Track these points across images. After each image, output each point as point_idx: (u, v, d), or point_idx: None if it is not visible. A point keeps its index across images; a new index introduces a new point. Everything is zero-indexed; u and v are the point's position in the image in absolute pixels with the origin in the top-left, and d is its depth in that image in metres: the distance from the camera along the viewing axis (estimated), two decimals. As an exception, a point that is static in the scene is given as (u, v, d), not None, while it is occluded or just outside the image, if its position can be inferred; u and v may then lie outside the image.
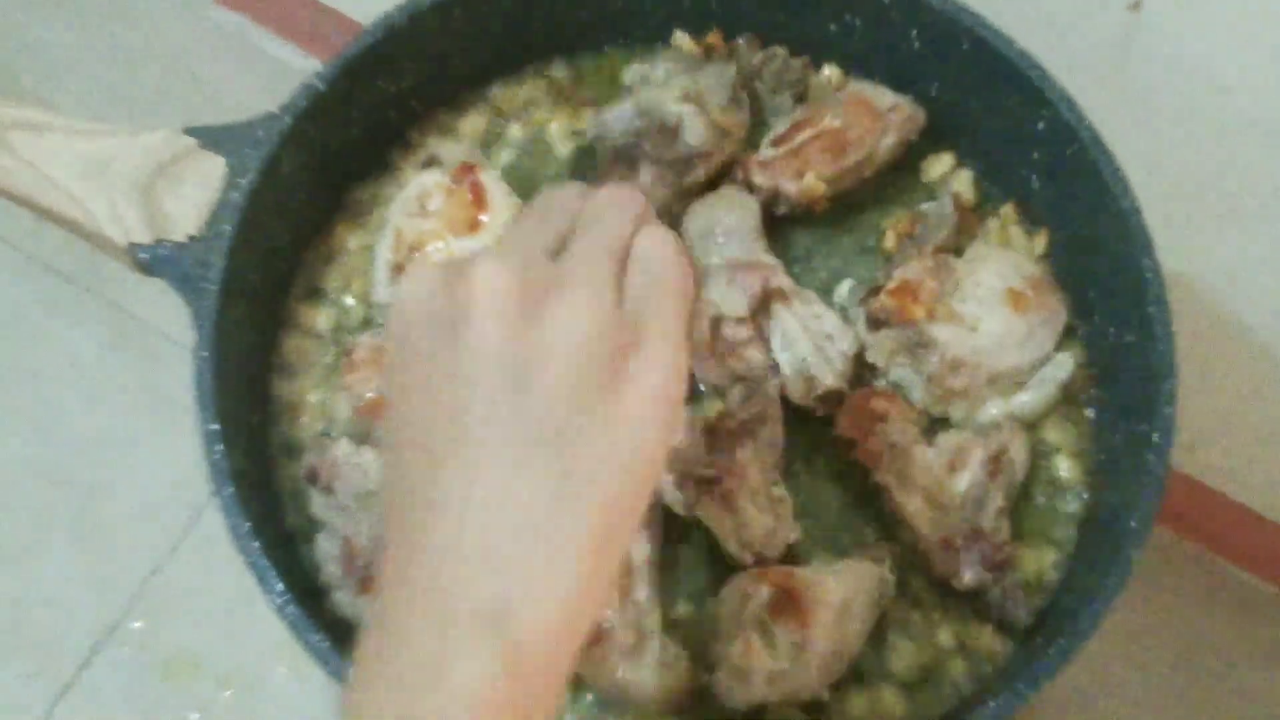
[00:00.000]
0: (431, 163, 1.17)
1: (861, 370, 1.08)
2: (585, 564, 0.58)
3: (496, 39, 1.21)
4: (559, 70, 1.25)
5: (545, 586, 0.57)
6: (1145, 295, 1.01)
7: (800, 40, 1.23)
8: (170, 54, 2.05)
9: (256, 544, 0.93)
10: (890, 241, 1.16)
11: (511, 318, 0.56)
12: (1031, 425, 1.08)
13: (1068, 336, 1.10)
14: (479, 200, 1.10)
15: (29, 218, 1.14)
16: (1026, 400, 1.06)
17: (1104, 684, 1.62)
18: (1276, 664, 1.64)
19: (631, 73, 1.19)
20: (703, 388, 1.07)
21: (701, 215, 1.12)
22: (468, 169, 1.11)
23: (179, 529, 1.68)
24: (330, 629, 0.92)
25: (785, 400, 1.05)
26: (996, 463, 1.01)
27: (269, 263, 1.11)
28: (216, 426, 0.97)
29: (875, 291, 1.08)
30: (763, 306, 1.05)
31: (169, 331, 1.81)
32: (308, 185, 1.13)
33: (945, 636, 1.01)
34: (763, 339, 1.06)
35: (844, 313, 1.10)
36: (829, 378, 1.03)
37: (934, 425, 1.08)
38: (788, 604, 0.93)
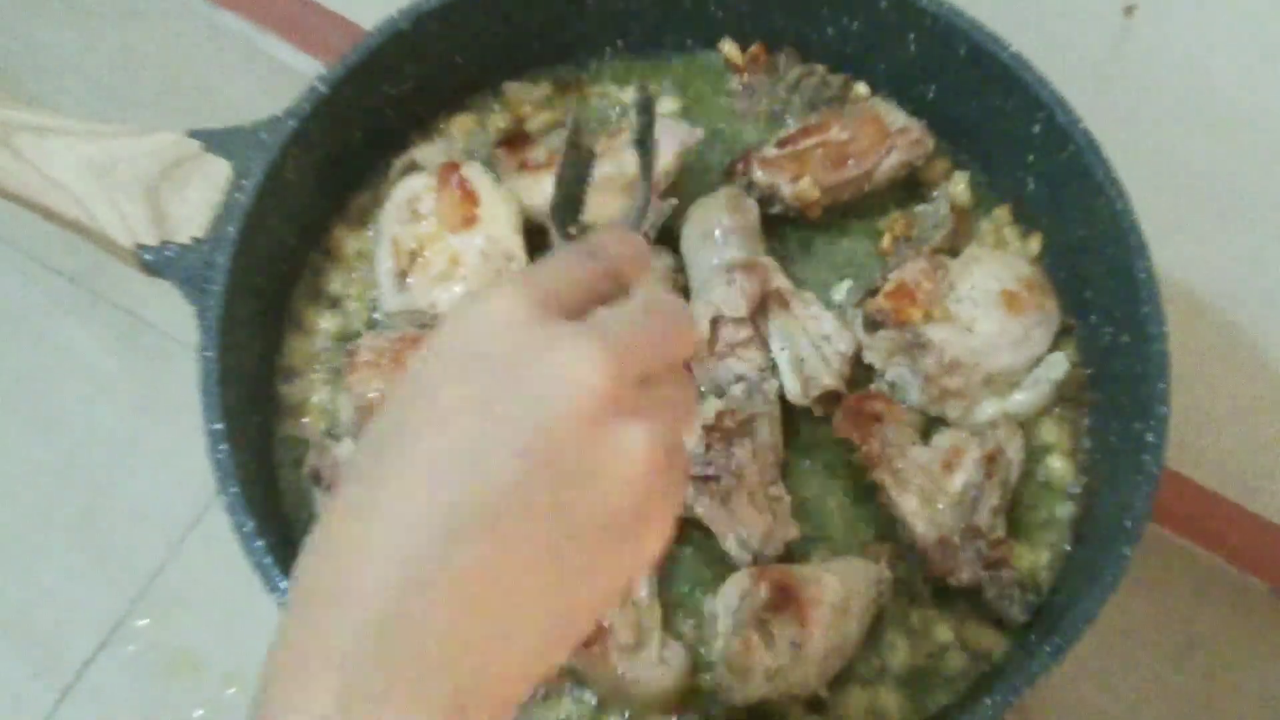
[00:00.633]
0: (411, 168, 1.18)
1: (859, 371, 1.09)
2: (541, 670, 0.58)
3: (498, 43, 1.22)
4: (562, 73, 1.27)
5: (500, 687, 0.55)
6: (1139, 296, 1.02)
7: (800, 42, 1.24)
8: (173, 56, 2.06)
9: (261, 543, 0.94)
10: (886, 243, 1.17)
11: (589, 422, 0.54)
12: (1027, 425, 1.09)
13: (1063, 337, 1.11)
14: (469, 196, 1.11)
15: (34, 219, 1.14)
16: (1022, 400, 1.07)
17: (1099, 680, 1.63)
18: (1270, 660, 1.65)
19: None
20: (703, 388, 1.08)
21: (701, 216, 1.13)
22: (452, 168, 1.12)
23: (183, 528, 1.69)
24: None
25: (783, 400, 1.06)
26: (992, 462, 1.02)
27: (273, 264, 1.11)
28: (221, 426, 0.98)
29: (872, 293, 1.09)
30: (761, 307, 1.06)
31: (173, 332, 1.82)
32: (311, 188, 1.14)
33: (942, 633, 1.02)
34: (761, 339, 1.07)
35: (842, 313, 1.11)
36: (827, 378, 1.04)
37: (931, 425, 1.09)
38: (786, 602, 0.94)
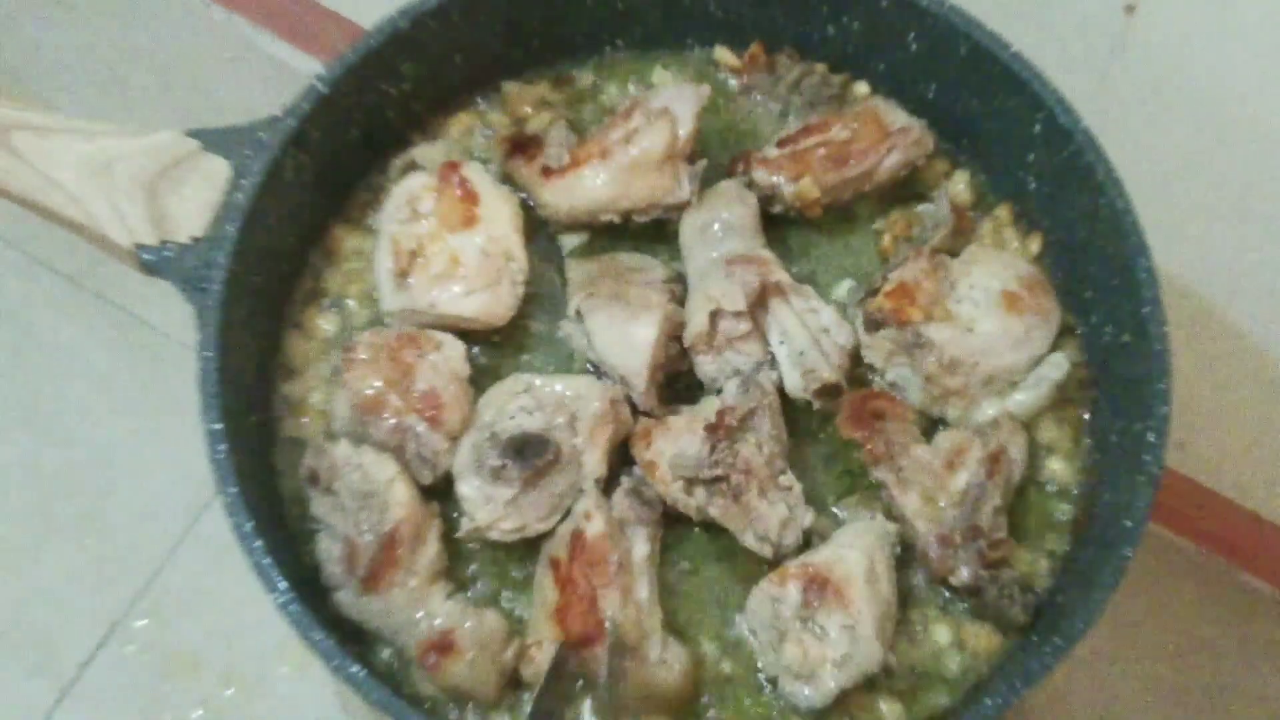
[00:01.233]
0: (410, 168, 1.18)
1: (859, 371, 1.09)
2: None
3: (497, 43, 1.22)
4: (561, 72, 1.27)
5: None
6: (1140, 296, 1.02)
7: (800, 42, 1.24)
8: (171, 55, 2.06)
9: (259, 543, 0.93)
10: (886, 242, 1.17)
11: None
12: (1027, 425, 1.09)
13: (1063, 336, 1.11)
14: (469, 196, 1.11)
15: (34, 219, 1.14)
16: (1022, 400, 1.07)
17: (1099, 681, 1.63)
18: (1270, 660, 1.65)
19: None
20: (706, 384, 1.08)
21: (700, 211, 1.13)
22: (452, 167, 1.12)
23: (182, 528, 1.69)
24: (332, 627, 0.93)
25: (782, 394, 1.06)
26: (995, 461, 1.02)
27: (272, 264, 1.11)
28: (220, 426, 0.97)
29: (873, 292, 1.09)
30: (760, 301, 1.06)
31: (172, 332, 1.82)
32: (310, 187, 1.13)
33: (942, 634, 1.02)
34: (760, 333, 1.07)
35: (842, 309, 1.11)
36: (826, 371, 1.04)
37: (932, 425, 1.09)
38: (821, 592, 0.94)
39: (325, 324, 1.14)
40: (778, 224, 1.17)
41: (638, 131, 1.12)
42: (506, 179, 1.17)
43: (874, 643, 0.93)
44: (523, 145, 1.17)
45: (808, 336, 1.06)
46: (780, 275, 1.08)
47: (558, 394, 1.04)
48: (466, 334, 1.10)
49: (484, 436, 1.02)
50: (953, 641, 1.02)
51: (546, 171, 1.14)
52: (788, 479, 1.02)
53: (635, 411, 1.06)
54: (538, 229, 1.16)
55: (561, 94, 1.26)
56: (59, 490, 1.72)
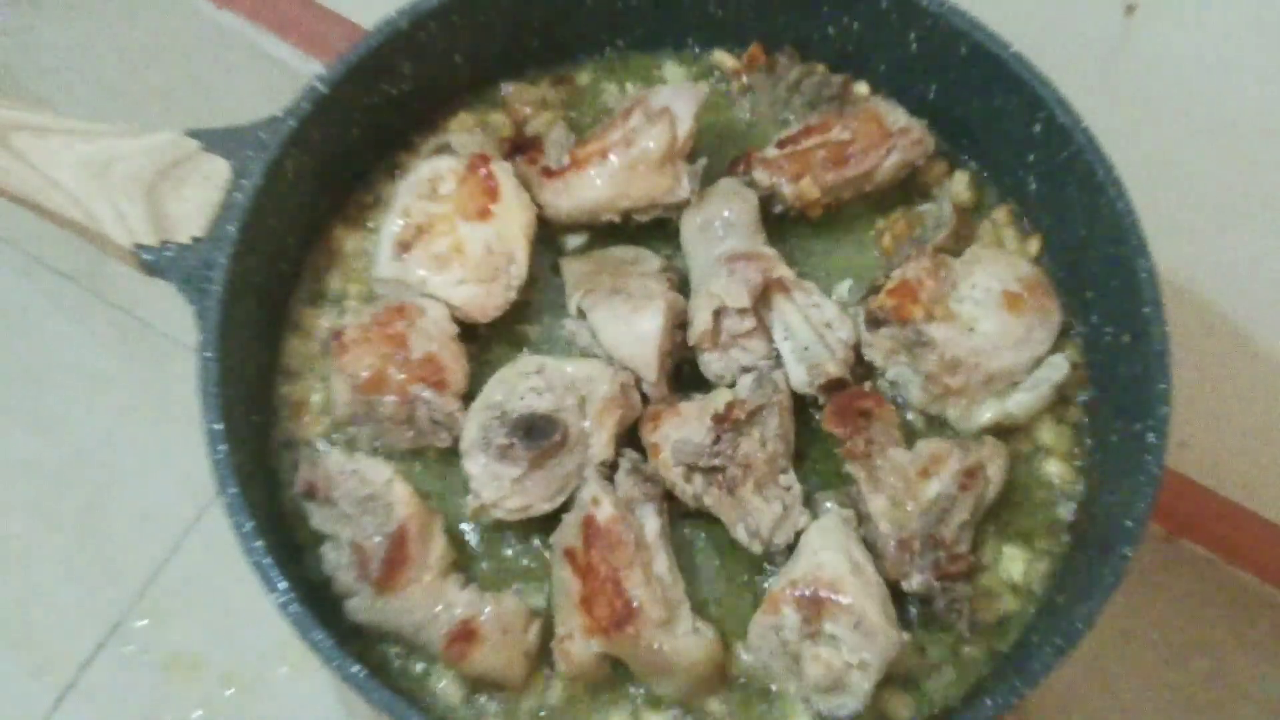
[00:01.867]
0: (443, 150, 1.18)
1: (859, 369, 1.09)
2: None
3: (497, 43, 1.22)
4: (561, 72, 1.27)
5: None
6: (1141, 296, 1.02)
7: (800, 42, 1.24)
8: (171, 55, 2.06)
9: (259, 543, 0.93)
10: (887, 242, 1.17)
11: None
12: (1026, 426, 1.09)
13: (1063, 337, 1.11)
14: (491, 190, 1.11)
15: (34, 219, 1.14)
16: (1022, 400, 1.07)
17: (1099, 681, 1.63)
18: (1270, 660, 1.64)
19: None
20: (713, 381, 1.09)
21: (701, 209, 1.13)
22: (484, 159, 1.12)
23: (182, 528, 1.69)
24: (332, 627, 0.93)
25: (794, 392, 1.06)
26: (970, 477, 1.01)
27: (272, 264, 1.11)
28: (220, 426, 0.97)
29: (875, 291, 1.09)
30: (763, 297, 1.07)
31: (172, 332, 1.82)
32: (310, 187, 1.13)
33: (942, 635, 1.02)
34: (764, 329, 1.07)
35: (843, 307, 1.11)
36: (831, 366, 1.04)
37: (933, 425, 1.09)
38: (817, 604, 0.94)
39: (325, 324, 1.14)
40: (778, 224, 1.17)
41: (637, 131, 1.12)
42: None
43: (886, 628, 0.93)
44: (523, 146, 1.17)
45: (811, 332, 1.06)
46: (783, 271, 1.08)
47: (569, 376, 1.05)
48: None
49: (493, 415, 1.03)
50: (952, 645, 1.02)
51: (547, 172, 1.14)
52: (789, 479, 1.02)
53: (645, 400, 1.07)
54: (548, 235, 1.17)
55: (561, 94, 1.26)
56: (59, 490, 1.72)
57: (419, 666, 1.01)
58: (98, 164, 1.10)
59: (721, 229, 1.11)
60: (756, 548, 1.00)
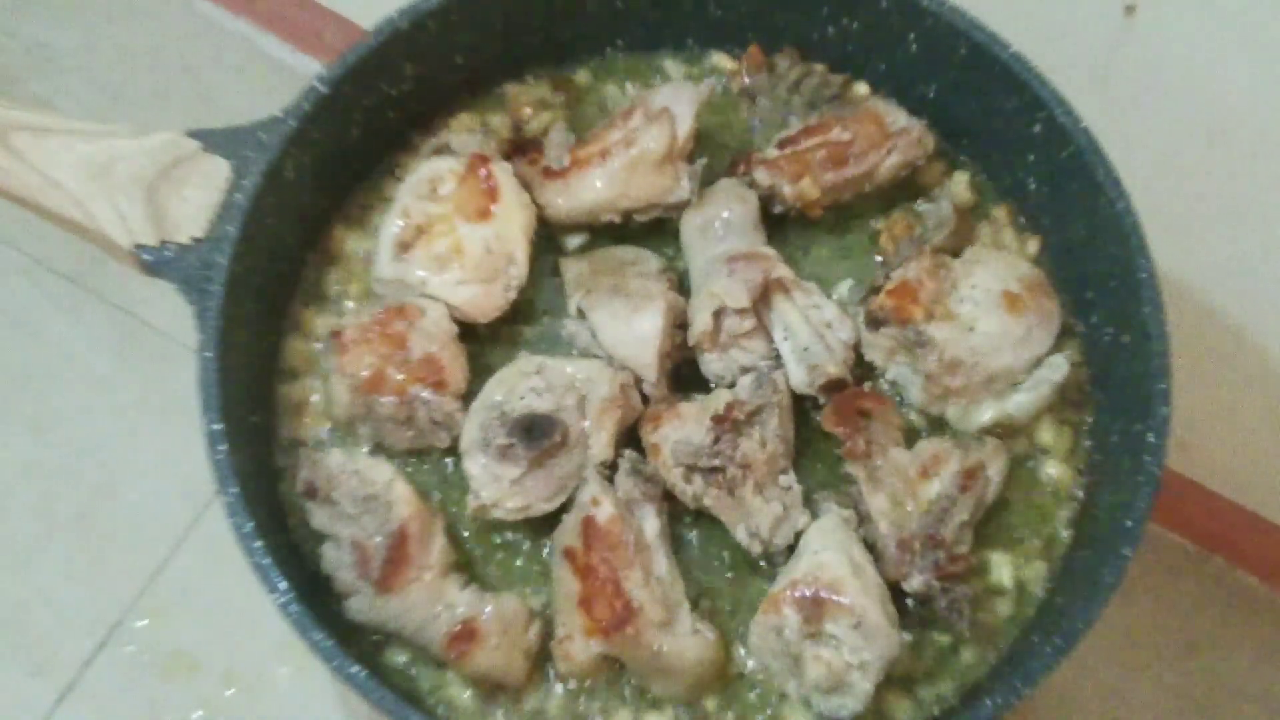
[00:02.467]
0: (443, 150, 1.18)
1: (859, 369, 1.09)
2: None
3: (497, 43, 1.22)
4: (561, 72, 1.27)
5: None
6: (1141, 296, 1.02)
7: (800, 42, 1.24)
8: (171, 56, 2.06)
9: (259, 543, 0.93)
10: (887, 242, 1.17)
11: None
12: (1027, 426, 1.09)
13: (1063, 337, 1.11)
14: (491, 191, 1.11)
15: (34, 219, 1.14)
16: (1022, 401, 1.07)
17: (1099, 681, 1.63)
18: (1270, 660, 1.65)
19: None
20: (711, 380, 1.09)
21: (701, 209, 1.13)
22: (483, 160, 1.13)
23: (182, 529, 1.69)
24: (332, 627, 0.93)
25: (794, 393, 1.06)
26: (971, 477, 1.01)
27: (272, 264, 1.11)
28: (220, 427, 0.98)
29: (875, 291, 1.09)
30: (763, 297, 1.07)
31: (173, 332, 1.82)
32: (310, 187, 1.14)
33: (942, 635, 1.02)
34: (764, 329, 1.07)
35: (843, 307, 1.11)
36: (831, 366, 1.04)
37: (933, 426, 1.09)
38: (818, 604, 0.94)
39: (325, 324, 1.14)
40: (778, 224, 1.17)
41: (637, 131, 1.12)
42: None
43: (887, 629, 0.94)
44: (523, 146, 1.17)
45: (811, 332, 1.06)
46: (783, 271, 1.08)
47: (568, 376, 1.05)
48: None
49: (493, 415, 1.03)
50: (952, 643, 1.02)
51: (547, 172, 1.14)
52: (788, 479, 1.02)
53: (645, 400, 1.07)
54: (547, 236, 1.17)
55: (561, 94, 1.26)
56: (59, 490, 1.72)
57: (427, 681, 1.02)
58: (98, 164, 1.10)
59: (721, 229, 1.11)
60: (756, 548, 1.00)
